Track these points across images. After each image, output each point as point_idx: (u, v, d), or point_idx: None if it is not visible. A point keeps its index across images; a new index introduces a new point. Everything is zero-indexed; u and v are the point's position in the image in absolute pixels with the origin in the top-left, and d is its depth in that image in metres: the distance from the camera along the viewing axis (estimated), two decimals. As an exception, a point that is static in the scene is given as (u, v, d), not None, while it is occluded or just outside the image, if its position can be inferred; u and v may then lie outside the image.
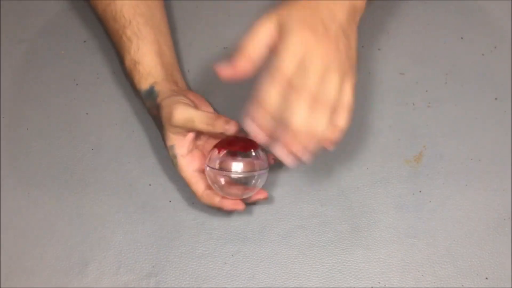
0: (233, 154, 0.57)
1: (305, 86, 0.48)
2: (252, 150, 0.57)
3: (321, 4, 0.51)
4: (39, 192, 0.64)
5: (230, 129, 0.54)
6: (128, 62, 0.62)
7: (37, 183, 0.64)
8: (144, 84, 0.61)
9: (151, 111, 0.61)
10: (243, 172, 0.56)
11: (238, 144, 0.57)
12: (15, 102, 0.68)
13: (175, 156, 0.58)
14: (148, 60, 0.61)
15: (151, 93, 0.60)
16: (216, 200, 0.58)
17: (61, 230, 0.62)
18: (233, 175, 0.56)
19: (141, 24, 0.62)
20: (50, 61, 0.70)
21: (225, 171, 0.56)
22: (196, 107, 0.58)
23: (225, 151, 0.57)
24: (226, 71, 0.51)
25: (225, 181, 0.56)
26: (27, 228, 0.62)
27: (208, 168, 0.57)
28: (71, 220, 0.62)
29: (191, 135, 0.58)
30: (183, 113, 0.55)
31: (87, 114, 0.67)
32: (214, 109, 0.63)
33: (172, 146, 0.58)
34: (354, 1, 0.53)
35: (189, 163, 0.58)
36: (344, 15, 0.51)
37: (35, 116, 0.67)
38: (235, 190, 0.57)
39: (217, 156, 0.57)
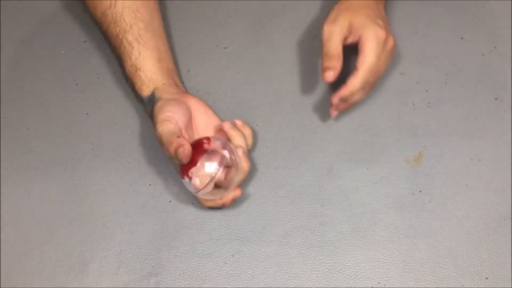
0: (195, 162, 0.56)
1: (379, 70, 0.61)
2: (205, 146, 0.56)
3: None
4: (39, 192, 0.64)
5: (183, 157, 0.54)
6: (129, 67, 0.62)
7: (37, 183, 0.64)
8: (145, 91, 0.61)
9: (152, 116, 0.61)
10: (218, 166, 0.55)
11: (195, 155, 0.56)
12: (15, 102, 0.68)
13: (176, 164, 0.58)
14: (149, 66, 0.61)
15: (152, 98, 0.60)
16: (218, 200, 0.59)
17: (61, 230, 0.62)
18: (216, 175, 0.55)
19: (142, 29, 0.62)
20: (50, 61, 0.70)
21: (208, 182, 0.55)
22: (174, 121, 0.57)
23: (191, 170, 0.56)
24: (330, 78, 0.59)
25: (215, 185, 0.56)
26: (27, 228, 0.62)
27: (199, 193, 0.57)
28: (71, 220, 0.62)
29: None
30: (159, 128, 0.56)
31: (87, 114, 0.67)
32: (214, 111, 0.63)
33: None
34: None
35: None
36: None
37: (35, 116, 0.67)
38: (226, 182, 0.57)
39: (190, 182, 0.56)
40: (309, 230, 0.61)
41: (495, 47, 0.67)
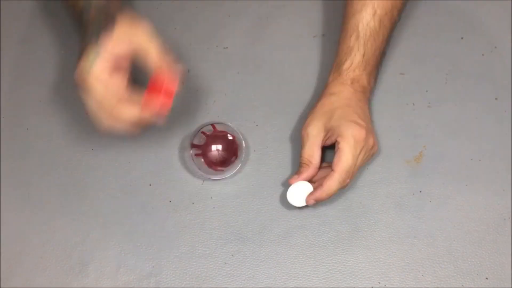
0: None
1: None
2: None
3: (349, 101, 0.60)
4: (39, 192, 0.64)
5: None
6: None
7: (37, 183, 0.64)
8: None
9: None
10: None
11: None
12: (15, 102, 0.68)
13: (94, 59, 0.53)
14: None
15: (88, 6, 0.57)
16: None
17: (61, 230, 0.62)
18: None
19: None
20: (50, 61, 0.70)
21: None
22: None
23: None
24: (293, 180, 0.60)
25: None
26: (27, 228, 0.62)
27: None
28: (71, 220, 0.62)
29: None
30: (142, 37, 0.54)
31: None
32: (213, 108, 0.63)
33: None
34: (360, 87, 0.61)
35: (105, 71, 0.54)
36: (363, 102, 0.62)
37: (35, 116, 0.67)
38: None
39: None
40: (309, 230, 0.61)
41: (495, 47, 0.67)
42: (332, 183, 0.57)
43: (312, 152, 0.59)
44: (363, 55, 0.60)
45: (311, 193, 0.58)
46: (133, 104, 0.54)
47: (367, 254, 0.59)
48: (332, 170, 0.57)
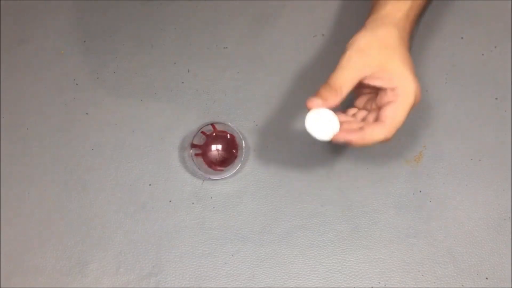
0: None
1: None
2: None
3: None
4: (39, 192, 0.64)
5: None
6: None
7: (37, 183, 0.64)
8: None
9: None
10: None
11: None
12: (15, 102, 0.68)
13: None
14: None
15: None
16: None
17: (61, 230, 0.62)
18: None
19: None
20: (50, 61, 0.70)
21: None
22: None
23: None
24: (314, 103, 0.51)
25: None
26: (27, 228, 0.62)
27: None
28: (71, 220, 0.62)
29: None
30: None
31: (87, 114, 0.67)
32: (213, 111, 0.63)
33: None
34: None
35: None
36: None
37: (35, 116, 0.67)
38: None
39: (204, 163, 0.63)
40: (309, 230, 0.61)
41: (495, 47, 0.67)
42: (377, 135, 0.50)
43: (348, 82, 0.51)
44: None
45: (346, 132, 0.51)
46: None
47: (367, 254, 0.59)
48: (382, 120, 0.50)
